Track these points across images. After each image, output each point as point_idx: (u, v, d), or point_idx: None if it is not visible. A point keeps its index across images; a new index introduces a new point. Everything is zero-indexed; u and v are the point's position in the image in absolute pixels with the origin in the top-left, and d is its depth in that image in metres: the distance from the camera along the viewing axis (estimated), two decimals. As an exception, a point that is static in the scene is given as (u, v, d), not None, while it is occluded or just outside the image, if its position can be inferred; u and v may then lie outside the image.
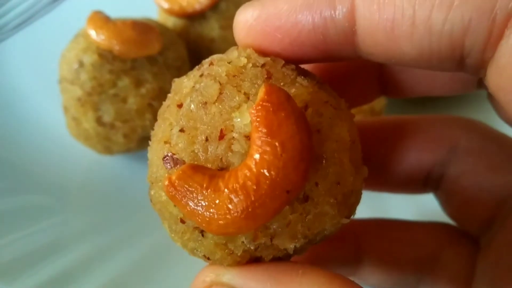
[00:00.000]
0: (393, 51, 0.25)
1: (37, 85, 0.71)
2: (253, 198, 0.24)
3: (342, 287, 0.25)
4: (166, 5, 0.63)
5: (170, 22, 0.66)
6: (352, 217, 0.30)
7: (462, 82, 0.33)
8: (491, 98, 0.34)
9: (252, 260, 0.27)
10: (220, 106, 0.27)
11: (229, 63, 0.28)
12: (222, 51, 0.46)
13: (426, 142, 0.38)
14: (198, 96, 0.28)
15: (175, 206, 0.27)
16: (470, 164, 0.36)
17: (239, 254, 0.27)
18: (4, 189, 0.58)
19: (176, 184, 0.25)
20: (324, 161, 0.26)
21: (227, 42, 0.63)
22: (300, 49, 0.28)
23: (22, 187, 0.59)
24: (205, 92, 0.28)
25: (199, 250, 0.28)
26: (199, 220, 0.25)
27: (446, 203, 0.39)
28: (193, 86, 0.29)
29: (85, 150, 0.60)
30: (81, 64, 0.53)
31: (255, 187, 0.24)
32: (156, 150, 0.29)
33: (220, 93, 0.27)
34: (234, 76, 0.27)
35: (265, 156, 0.24)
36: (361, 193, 0.31)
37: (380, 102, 0.61)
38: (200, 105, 0.28)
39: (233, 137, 0.26)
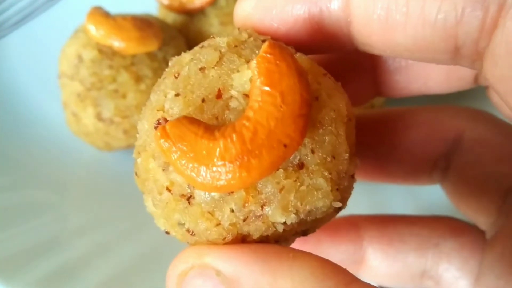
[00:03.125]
0: (388, 41, 0.25)
1: (37, 81, 0.71)
2: (249, 147, 0.23)
3: (335, 272, 0.23)
4: (166, 1, 0.63)
5: (170, 18, 0.66)
6: (343, 207, 0.29)
7: (458, 79, 0.33)
8: (490, 93, 0.34)
9: (239, 240, 0.26)
10: (219, 70, 0.26)
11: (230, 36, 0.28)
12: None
13: (431, 133, 0.38)
14: (197, 64, 0.27)
15: (163, 170, 0.26)
16: (476, 154, 0.36)
17: (226, 226, 0.25)
18: (4, 185, 0.58)
19: (169, 132, 0.24)
20: (321, 129, 0.26)
21: (227, 38, 0.63)
22: (296, 38, 0.28)
23: (21, 182, 0.59)
24: (204, 59, 0.27)
25: (183, 220, 0.26)
26: (191, 172, 0.23)
27: (453, 194, 0.39)
28: (192, 58, 0.28)
29: (85, 146, 0.60)
30: (80, 60, 0.53)
31: (251, 136, 0.23)
32: (147, 118, 0.28)
33: (220, 59, 0.27)
34: (235, 46, 0.27)
35: (264, 106, 0.23)
36: (354, 181, 0.30)
37: (379, 98, 0.62)
38: (199, 70, 0.27)
39: (231, 95, 0.26)
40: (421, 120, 0.38)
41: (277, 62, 0.24)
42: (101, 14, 0.53)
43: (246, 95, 0.25)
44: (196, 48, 0.28)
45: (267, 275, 0.23)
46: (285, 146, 0.23)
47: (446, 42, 0.24)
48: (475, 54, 0.23)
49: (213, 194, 0.25)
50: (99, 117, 0.54)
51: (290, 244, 0.29)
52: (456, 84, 0.34)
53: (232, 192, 0.25)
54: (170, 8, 0.64)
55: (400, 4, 0.24)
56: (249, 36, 0.28)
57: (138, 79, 0.52)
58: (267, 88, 0.24)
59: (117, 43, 0.51)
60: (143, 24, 0.52)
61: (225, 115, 0.25)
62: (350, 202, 0.52)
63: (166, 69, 0.30)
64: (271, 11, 0.28)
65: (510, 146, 0.36)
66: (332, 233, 0.39)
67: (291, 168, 0.25)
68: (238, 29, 0.29)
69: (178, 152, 0.23)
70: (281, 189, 0.25)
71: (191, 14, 0.65)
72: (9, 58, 0.74)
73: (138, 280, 0.50)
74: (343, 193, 0.28)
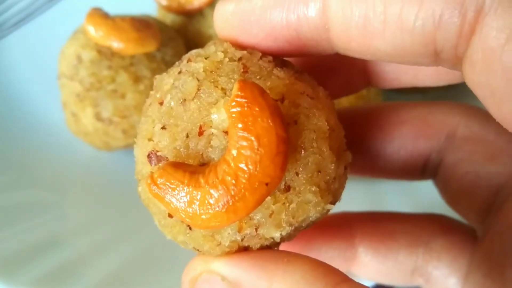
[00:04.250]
0: (368, 47, 0.26)
1: (37, 81, 0.72)
2: (232, 192, 0.24)
3: (326, 273, 0.25)
4: (164, 2, 0.64)
5: (169, 19, 0.66)
6: (337, 202, 0.31)
7: (447, 73, 0.33)
8: None
9: (241, 249, 0.28)
10: (198, 103, 0.28)
11: (206, 58, 0.29)
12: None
13: (423, 129, 0.38)
14: (177, 93, 0.29)
15: None
16: (468, 152, 0.36)
17: (226, 244, 0.28)
18: (3, 184, 0.58)
19: (158, 182, 0.26)
20: (303, 151, 0.27)
21: (225, 39, 0.63)
22: (275, 44, 0.29)
23: (21, 182, 0.59)
24: (183, 89, 0.28)
25: (188, 243, 0.29)
26: (183, 216, 0.25)
27: (444, 191, 0.39)
28: (173, 83, 0.29)
29: (84, 146, 0.61)
30: (80, 60, 0.54)
31: (234, 182, 0.25)
32: (141, 147, 0.30)
33: (198, 90, 0.28)
34: (211, 71, 0.28)
35: (242, 151, 0.25)
36: (345, 178, 0.31)
37: (377, 95, 0.62)
38: (180, 102, 0.28)
39: (212, 133, 0.27)
40: (414, 115, 0.38)
41: (249, 105, 0.25)
42: (100, 15, 0.53)
43: (225, 132, 0.27)
44: (175, 71, 0.30)
45: (264, 279, 0.26)
46: (266, 184, 0.25)
47: (426, 48, 0.24)
48: (455, 58, 0.24)
49: None
50: (98, 117, 0.54)
51: (291, 239, 0.31)
52: (446, 77, 0.34)
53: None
54: (168, 9, 0.64)
55: (378, 12, 0.24)
56: (225, 55, 0.29)
57: (136, 79, 0.53)
58: (242, 133, 0.25)
59: (115, 44, 0.51)
60: (142, 25, 0.53)
61: (208, 153, 0.27)
62: (345, 199, 0.53)
63: (151, 92, 0.31)
64: (249, 18, 0.28)
65: (501, 144, 0.36)
66: (325, 230, 0.40)
67: (278, 193, 0.27)
68: (215, 43, 0.30)
69: (168, 196, 0.25)
70: (271, 214, 0.27)
71: (190, 15, 0.65)
72: (9, 58, 0.74)
73: (138, 279, 0.51)
74: (335, 192, 0.30)
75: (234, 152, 0.25)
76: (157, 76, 0.31)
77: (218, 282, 0.27)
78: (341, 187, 0.31)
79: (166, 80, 0.30)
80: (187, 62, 0.29)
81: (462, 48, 0.23)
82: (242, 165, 0.24)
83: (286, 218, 0.27)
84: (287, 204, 0.27)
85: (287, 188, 0.27)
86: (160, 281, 0.51)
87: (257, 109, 0.25)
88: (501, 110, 0.23)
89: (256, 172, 0.24)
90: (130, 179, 0.60)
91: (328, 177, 0.28)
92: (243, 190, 0.25)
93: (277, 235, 0.28)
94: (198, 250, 0.29)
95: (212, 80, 0.28)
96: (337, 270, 0.26)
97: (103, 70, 0.52)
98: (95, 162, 0.62)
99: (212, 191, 0.25)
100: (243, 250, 0.28)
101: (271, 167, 0.25)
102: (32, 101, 0.69)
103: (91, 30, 0.52)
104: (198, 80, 0.28)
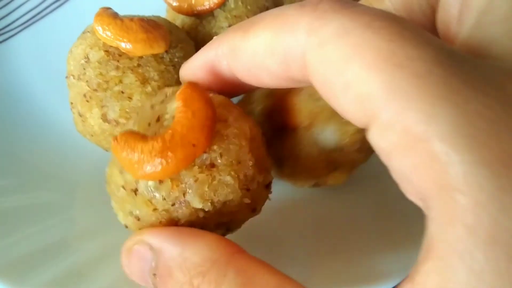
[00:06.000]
0: (261, 83, 0.37)
1: (46, 81, 0.71)
2: (168, 144, 0.34)
3: (226, 245, 0.33)
4: (174, 3, 0.63)
5: (179, 20, 0.65)
6: (257, 214, 0.41)
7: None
8: None
9: (172, 224, 0.36)
10: (162, 105, 0.40)
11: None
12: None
13: None
14: (151, 101, 0.43)
15: (120, 173, 0.38)
16: None
17: (160, 211, 0.36)
18: (12, 186, 0.58)
19: (118, 139, 0.36)
20: (226, 140, 0.36)
21: (236, 41, 0.62)
22: (209, 84, 0.41)
23: (29, 184, 0.59)
24: (154, 100, 0.43)
25: (132, 210, 0.38)
26: (132, 165, 0.35)
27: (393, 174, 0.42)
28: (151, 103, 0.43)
29: (92, 146, 0.60)
30: (87, 60, 0.53)
31: (170, 138, 0.34)
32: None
33: (164, 100, 0.41)
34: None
35: (180, 119, 0.35)
36: (266, 195, 0.41)
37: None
38: (150, 107, 0.42)
39: (166, 118, 0.37)
40: None
41: (192, 93, 0.36)
42: (108, 15, 0.52)
43: (173, 117, 0.36)
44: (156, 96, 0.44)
45: (178, 247, 0.32)
46: (193, 145, 0.34)
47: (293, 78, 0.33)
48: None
49: (149, 183, 0.36)
50: (104, 118, 0.54)
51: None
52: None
53: (162, 181, 0.36)
54: (178, 10, 0.63)
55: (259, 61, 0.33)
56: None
57: (144, 81, 0.52)
58: (183, 108, 0.35)
59: (123, 45, 0.50)
60: (151, 25, 0.52)
61: (160, 131, 0.37)
62: (354, 202, 0.53)
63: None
64: (189, 62, 0.42)
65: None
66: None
67: (204, 167, 0.35)
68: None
69: (124, 152, 0.35)
70: (196, 180, 0.35)
71: (200, 16, 0.64)
72: (18, 58, 0.74)
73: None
74: (254, 196, 0.38)
75: (175, 119, 0.35)
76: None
77: (147, 250, 0.34)
78: (261, 199, 0.40)
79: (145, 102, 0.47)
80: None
81: None
82: (178, 127, 0.34)
83: (208, 191, 0.35)
84: (210, 179, 0.36)
85: (212, 165, 0.36)
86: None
87: (196, 95, 0.36)
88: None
89: (188, 134, 0.34)
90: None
91: (246, 172, 0.37)
92: (175, 144, 0.34)
93: (200, 206, 0.36)
94: (138, 219, 0.37)
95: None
96: (236, 244, 0.33)
97: (111, 70, 0.52)
98: (104, 163, 0.61)
99: (153, 143, 0.34)
100: (173, 225, 0.36)
101: (199, 133, 0.35)
102: (41, 101, 0.68)
103: (100, 30, 0.52)
104: (166, 95, 0.41)
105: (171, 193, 0.35)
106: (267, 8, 0.66)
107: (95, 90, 0.52)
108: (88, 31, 0.55)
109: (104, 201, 0.59)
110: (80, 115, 0.56)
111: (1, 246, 0.50)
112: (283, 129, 0.49)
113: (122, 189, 0.38)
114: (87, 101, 0.54)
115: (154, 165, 0.34)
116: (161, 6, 0.66)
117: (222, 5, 0.63)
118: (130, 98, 0.52)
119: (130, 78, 0.52)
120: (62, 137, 0.64)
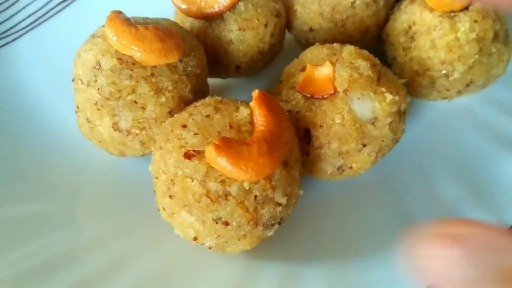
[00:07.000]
0: None
1: (50, 84, 0.69)
2: (271, 144, 0.37)
3: None
4: (183, 6, 0.61)
5: (188, 23, 0.64)
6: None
7: None
8: None
9: (259, 222, 0.40)
10: (220, 115, 0.42)
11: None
12: (240, 53, 0.60)
13: None
14: (198, 115, 0.44)
15: (200, 184, 0.39)
16: None
17: (251, 210, 0.39)
18: (16, 196, 0.57)
19: (220, 145, 0.38)
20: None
21: (245, 44, 0.61)
22: None
23: (35, 193, 0.58)
24: (204, 111, 0.44)
25: (220, 216, 0.40)
26: (238, 168, 0.37)
27: None
28: (190, 114, 0.45)
29: (98, 151, 0.59)
30: (99, 67, 0.51)
31: (269, 139, 0.38)
32: (172, 155, 0.43)
33: (217, 109, 0.43)
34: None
35: (270, 122, 0.38)
36: (294, 202, 0.45)
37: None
38: (205, 117, 0.43)
39: (240, 124, 0.40)
40: None
41: (267, 98, 0.40)
42: (122, 21, 0.51)
43: (249, 123, 0.41)
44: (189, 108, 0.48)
45: None
46: (286, 143, 0.39)
47: None
48: None
49: (245, 184, 0.38)
50: (115, 127, 0.53)
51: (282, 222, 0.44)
52: None
53: (258, 182, 0.39)
54: (187, 12, 0.62)
55: None
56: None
57: (158, 91, 0.51)
58: (267, 112, 0.39)
59: (138, 54, 0.49)
60: (165, 34, 0.50)
61: (241, 135, 0.40)
62: (371, 205, 0.56)
63: (166, 126, 0.48)
64: None
65: None
66: None
67: (281, 166, 0.40)
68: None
69: (225, 157, 0.38)
70: (281, 177, 0.40)
71: (209, 19, 0.63)
72: (21, 61, 0.72)
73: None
74: (295, 195, 0.44)
75: (264, 121, 0.39)
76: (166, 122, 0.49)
77: None
78: (294, 195, 0.44)
79: (177, 117, 0.47)
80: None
81: None
82: (272, 129, 0.39)
83: (287, 187, 0.40)
84: (286, 175, 0.40)
85: (286, 163, 0.40)
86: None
87: (271, 101, 0.41)
88: None
89: (281, 133, 0.39)
90: (147, 186, 0.59)
91: (300, 166, 0.44)
92: (276, 144, 0.38)
93: (283, 202, 0.40)
94: (226, 223, 0.39)
95: (225, 103, 0.46)
96: None
97: (124, 79, 0.50)
98: (110, 170, 0.61)
99: (259, 144, 0.37)
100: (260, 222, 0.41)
101: (287, 134, 0.39)
102: (45, 105, 0.67)
103: (112, 37, 0.50)
104: (214, 106, 0.45)
105: (264, 191, 0.39)
106: (277, 11, 0.64)
107: (107, 98, 0.51)
108: (99, 36, 0.54)
109: (110, 210, 0.58)
110: (89, 122, 0.55)
111: (8, 260, 0.49)
112: (316, 99, 0.49)
113: (205, 198, 0.39)
114: (98, 109, 0.52)
115: (263, 165, 0.37)
116: (170, 8, 0.64)
117: (232, 8, 0.61)
118: (143, 108, 0.51)
119: (144, 88, 0.51)
120: (67, 143, 0.62)
